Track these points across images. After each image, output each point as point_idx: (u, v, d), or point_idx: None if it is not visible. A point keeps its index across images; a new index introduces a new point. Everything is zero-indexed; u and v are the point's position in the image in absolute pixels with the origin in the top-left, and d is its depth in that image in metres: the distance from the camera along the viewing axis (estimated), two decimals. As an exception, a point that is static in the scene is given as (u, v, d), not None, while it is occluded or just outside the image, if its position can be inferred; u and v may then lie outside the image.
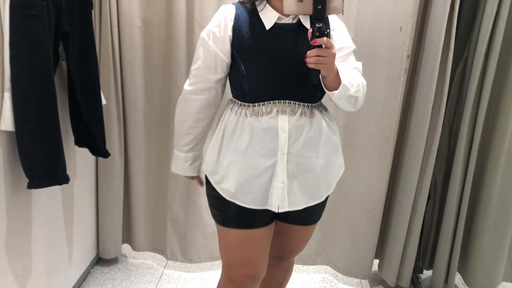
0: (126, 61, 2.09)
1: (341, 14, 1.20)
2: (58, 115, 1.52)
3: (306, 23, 1.33)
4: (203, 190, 1.54)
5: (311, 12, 1.18)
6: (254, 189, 1.38)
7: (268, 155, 1.36)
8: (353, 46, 1.42)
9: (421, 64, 2.04)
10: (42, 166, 1.49)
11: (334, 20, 1.39)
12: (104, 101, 1.90)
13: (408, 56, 2.00)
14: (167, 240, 2.33)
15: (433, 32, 1.94)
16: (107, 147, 1.95)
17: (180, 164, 1.53)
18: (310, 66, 1.20)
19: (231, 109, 1.42)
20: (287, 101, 1.36)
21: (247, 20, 1.34)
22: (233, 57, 1.36)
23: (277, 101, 1.36)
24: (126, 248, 2.45)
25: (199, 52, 1.39)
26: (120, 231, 2.33)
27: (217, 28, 1.35)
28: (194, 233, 2.31)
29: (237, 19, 1.35)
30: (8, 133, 1.44)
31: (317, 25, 1.16)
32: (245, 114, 1.37)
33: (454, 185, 2.05)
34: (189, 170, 1.53)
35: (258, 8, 1.35)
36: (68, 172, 1.60)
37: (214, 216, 1.49)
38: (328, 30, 1.29)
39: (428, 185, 2.11)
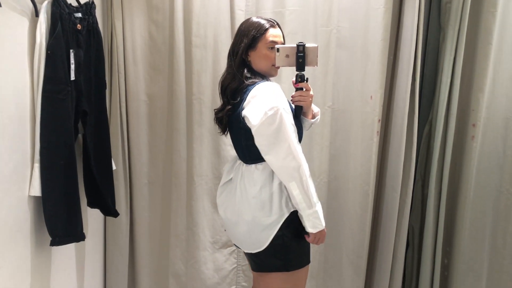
0: (133, 131, 2.32)
1: (315, 66, 1.62)
2: (78, 182, 1.74)
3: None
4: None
5: (294, 65, 1.61)
6: None
7: None
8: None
9: (391, 126, 2.31)
10: (64, 226, 1.69)
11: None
12: (114, 167, 2.11)
13: (379, 120, 2.25)
14: (169, 294, 2.47)
15: (399, 99, 2.24)
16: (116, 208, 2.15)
17: (322, 215, 1.59)
18: (294, 103, 1.64)
19: None
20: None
21: None
22: None
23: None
24: (130, 303, 2.57)
25: (288, 126, 1.53)
26: (125, 287, 2.46)
27: (283, 98, 1.58)
28: (195, 286, 2.46)
29: None
30: (36, 198, 1.65)
31: (298, 73, 1.62)
32: None
33: (427, 232, 2.27)
34: None
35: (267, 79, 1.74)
36: (83, 231, 1.80)
37: (300, 257, 1.65)
38: (307, 77, 1.64)
39: (406, 234, 2.31)
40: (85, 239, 2.12)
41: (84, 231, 2.06)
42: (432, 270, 2.31)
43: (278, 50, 1.60)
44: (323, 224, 1.58)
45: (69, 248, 1.97)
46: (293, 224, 1.62)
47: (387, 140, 2.36)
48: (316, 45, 1.61)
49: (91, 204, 2.04)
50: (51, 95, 1.61)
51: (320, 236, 1.60)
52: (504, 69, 2.16)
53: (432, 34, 2.32)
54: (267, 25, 1.65)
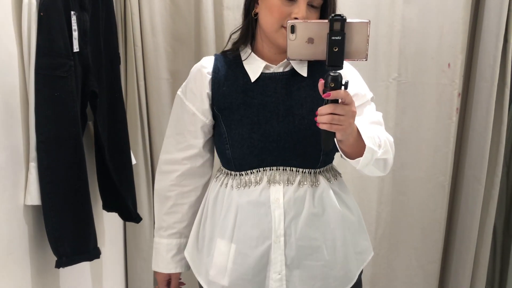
0: (154, 116, 2.03)
1: (364, 60, 0.96)
2: (88, 183, 1.40)
3: (303, 70, 1.16)
4: None
5: (324, 57, 0.94)
6: (249, 284, 1.15)
7: (260, 237, 1.13)
8: (370, 94, 1.20)
9: (472, 103, 2.00)
10: (72, 242, 1.37)
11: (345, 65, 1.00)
12: (134, 161, 1.80)
13: (459, 94, 1.97)
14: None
15: (484, 68, 1.91)
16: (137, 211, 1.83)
17: (161, 255, 1.28)
18: (322, 127, 0.95)
19: (217, 178, 1.25)
20: (280, 167, 1.15)
21: (228, 73, 1.18)
22: (215, 117, 1.20)
23: (268, 168, 1.15)
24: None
25: (175, 114, 1.25)
26: (150, 299, 2.20)
27: (193, 83, 1.21)
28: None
29: (216, 72, 1.19)
30: (34, 207, 1.31)
31: (332, 74, 0.93)
32: (231, 186, 1.18)
33: None
34: (172, 263, 1.29)
35: (242, 57, 1.19)
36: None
37: None
38: (347, 80, 0.95)
39: (491, 235, 2.03)
40: (103, 249, 1.84)
41: (101, 239, 1.80)
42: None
43: (292, 27, 0.96)
44: None
45: (82, 265, 1.65)
46: None
47: (468, 119, 2.07)
48: (366, 21, 0.94)
49: (108, 208, 1.75)
50: (48, 72, 1.27)
51: None
52: None
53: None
54: None
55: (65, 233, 1.34)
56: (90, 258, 1.45)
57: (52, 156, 1.29)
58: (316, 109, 0.96)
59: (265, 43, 1.18)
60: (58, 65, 1.28)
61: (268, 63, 1.17)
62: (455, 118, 1.99)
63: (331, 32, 0.91)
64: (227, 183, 1.19)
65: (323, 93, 0.94)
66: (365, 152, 1.01)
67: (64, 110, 1.31)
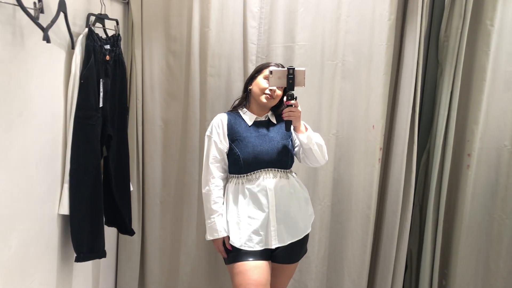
0: (148, 154, 2.44)
1: (303, 86, 1.85)
2: (102, 202, 1.85)
3: (273, 119, 2.04)
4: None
5: (285, 85, 1.86)
6: (257, 236, 1.89)
7: (262, 208, 1.90)
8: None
9: (392, 154, 2.46)
10: (88, 243, 1.79)
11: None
12: (131, 188, 2.22)
13: (380, 148, 2.39)
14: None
15: (400, 129, 2.38)
16: (131, 227, 2.23)
17: (215, 228, 1.95)
18: (285, 118, 1.87)
19: (230, 181, 1.99)
20: (269, 169, 1.94)
21: (236, 121, 1.99)
22: (230, 145, 1.96)
23: (263, 169, 1.94)
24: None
25: (209, 147, 2.00)
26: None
27: (217, 128, 1.98)
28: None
29: (229, 121, 1.99)
30: (63, 216, 1.75)
31: (289, 93, 1.85)
32: (242, 183, 1.94)
33: (425, 254, 2.41)
34: (223, 231, 1.95)
35: (241, 113, 2.03)
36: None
37: (232, 258, 1.92)
38: (296, 96, 1.87)
39: (405, 256, 2.43)
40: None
41: None
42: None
43: (271, 72, 1.87)
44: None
45: (87, 265, 2.06)
46: None
47: (388, 167, 2.50)
48: (303, 69, 1.86)
49: (109, 223, 2.13)
50: (83, 120, 1.73)
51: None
52: (497, 103, 2.33)
53: (430, 69, 2.48)
54: (272, 64, 2.01)
55: (84, 236, 1.77)
56: (100, 256, 1.87)
57: (80, 180, 1.74)
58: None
59: (254, 105, 2.02)
60: (90, 116, 1.75)
61: (257, 116, 2.02)
62: (377, 165, 2.36)
63: (288, 73, 1.84)
64: (238, 182, 1.96)
65: (285, 101, 1.87)
66: (307, 131, 1.93)
67: (91, 147, 1.77)
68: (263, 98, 1.95)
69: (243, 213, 1.92)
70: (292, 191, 1.97)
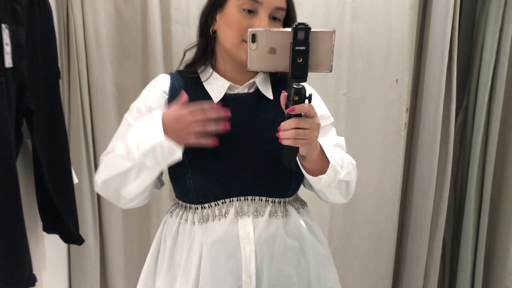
0: (99, 131, 1.97)
1: (329, 71, 0.89)
2: (22, 207, 1.32)
3: (267, 92, 1.09)
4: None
5: (286, 68, 0.87)
6: None
7: (229, 279, 1.01)
8: (332, 119, 1.16)
9: (420, 118, 2.03)
10: (4, 271, 1.30)
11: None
12: (76, 180, 1.73)
13: (407, 109, 2.01)
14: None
15: (431, 83, 1.95)
16: (81, 231, 1.75)
17: (153, 124, 0.97)
18: (285, 143, 0.89)
19: (172, 214, 1.13)
20: (249, 197, 1.05)
21: (187, 93, 1.01)
22: None
23: (235, 198, 1.05)
24: None
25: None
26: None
27: (144, 103, 1.09)
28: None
29: (173, 92, 1.08)
30: None
31: (295, 87, 0.85)
32: (192, 221, 1.07)
33: (465, 246, 2.01)
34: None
35: (202, 77, 1.10)
36: (36, 263, 1.42)
37: None
38: (310, 93, 0.87)
39: (440, 249, 2.06)
40: (43, 273, 1.77)
41: (41, 263, 1.73)
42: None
43: (253, 36, 0.87)
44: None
45: None
46: None
47: (416, 134, 2.10)
48: (332, 30, 0.88)
49: (48, 230, 1.67)
50: None
51: None
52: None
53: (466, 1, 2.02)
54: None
55: (-5, 263, 1.26)
56: (24, 286, 1.38)
57: (-20, 178, 1.22)
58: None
59: (227, 62, 1.09)
60: (-14, 81, 1.22)
61: (232, 83, 1.08)
62: (403, 133, 2.01)
63: (295, 41, 0.84)
64: (186, 218, 1.07)
65: (286, 107, 0.87)
66: (328, 170, 0.95)
67: (-8, 129, 1.24)
68: (242, 52, 1.01)
69: (189, 286, 1.05)
70: (295, 243, 1.08)
